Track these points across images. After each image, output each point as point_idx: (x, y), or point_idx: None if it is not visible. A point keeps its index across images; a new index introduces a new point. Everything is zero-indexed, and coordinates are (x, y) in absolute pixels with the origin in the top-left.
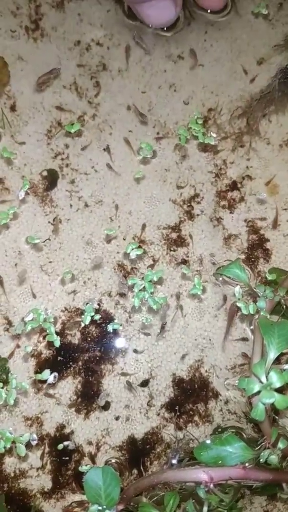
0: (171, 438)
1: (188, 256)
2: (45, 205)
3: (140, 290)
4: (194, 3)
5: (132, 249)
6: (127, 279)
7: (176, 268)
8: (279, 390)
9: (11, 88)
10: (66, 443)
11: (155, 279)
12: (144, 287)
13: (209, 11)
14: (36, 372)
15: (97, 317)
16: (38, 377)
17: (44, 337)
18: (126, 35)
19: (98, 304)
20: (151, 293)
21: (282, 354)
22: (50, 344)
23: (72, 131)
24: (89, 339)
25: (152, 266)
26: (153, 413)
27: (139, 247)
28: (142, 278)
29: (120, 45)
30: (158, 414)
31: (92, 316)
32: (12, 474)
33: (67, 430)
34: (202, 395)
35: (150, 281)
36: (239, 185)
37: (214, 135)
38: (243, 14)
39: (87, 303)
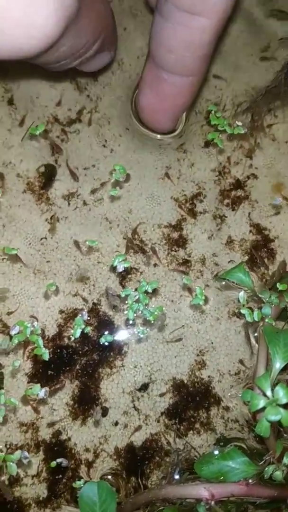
0: (171, 447)
1: (190, 256)
2: (41, 203)
3: (134, 301)
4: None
5: (119, 261)
6: (121, 291)
7: (178, 268)
8: (285, 405)
9: (8, 82)
10: (59, 460)
11: (149, 290)
12: (138, 299)
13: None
14: (29, 382)
15: (88, 329)
16: (28, 393)
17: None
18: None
19: (96, 305)
20: (146, 304)
21: None
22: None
23: (37, 133)
24: (87, 341)
25: (154, 265)
26: (152, 419)
27: (136, 251)
28: (136, 289)
29: (120, 41)
30: (158, 421)
31: (82, 329)
32: (7, 482)
33: (63, 437)
34: (203, 401)
35: (144, 292)
36: (243, 184)
37: (240, 123)
38: (247, 6)
39: (76, 316)
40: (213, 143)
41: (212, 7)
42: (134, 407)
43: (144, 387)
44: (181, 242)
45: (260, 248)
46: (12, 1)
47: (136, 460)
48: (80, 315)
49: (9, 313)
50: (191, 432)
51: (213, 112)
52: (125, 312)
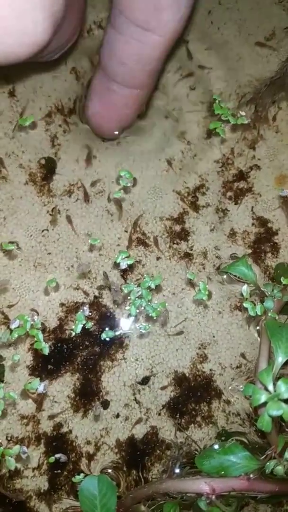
0: (172, 441)
1: (192, 249)
2: (43, 195)
3: (137, 297)
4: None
5: (123, 258)
6: (121, 286)
7: (179, 261)
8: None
9: (10, 72)
10: (57, 455)
11: (152, 286)
12: (141, 294)
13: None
14: (30, 375)
15: (89, 325)
16: (27, 387)
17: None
18: None
19: (98, 298)
20: (149, 300)
21: None
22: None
23: (26, 124)
24: (88, 335)
25: (157, 258)
26: (153, 412)
27: (140, 243)
28: (139, 285)
29: None
30: (159, 414)
31: (84, 324)
32: (7, 474)
33: (64, 429)
34: (205, 394)
35: (147, 288)
36: (246, 176)
37: (244, 113)
38: None
39: (77, 309)
40: (216, 133)
41: (165, 25)
42: (135, 400)
43: (145, 380)
44: (183, 235)
45: (264, 241)
46: (4, 11)
47: (137, 453)
48: (81, 310)
49: (9, 306)
50: (192, 425)
51: (217, 101)
52: (127, 307)
